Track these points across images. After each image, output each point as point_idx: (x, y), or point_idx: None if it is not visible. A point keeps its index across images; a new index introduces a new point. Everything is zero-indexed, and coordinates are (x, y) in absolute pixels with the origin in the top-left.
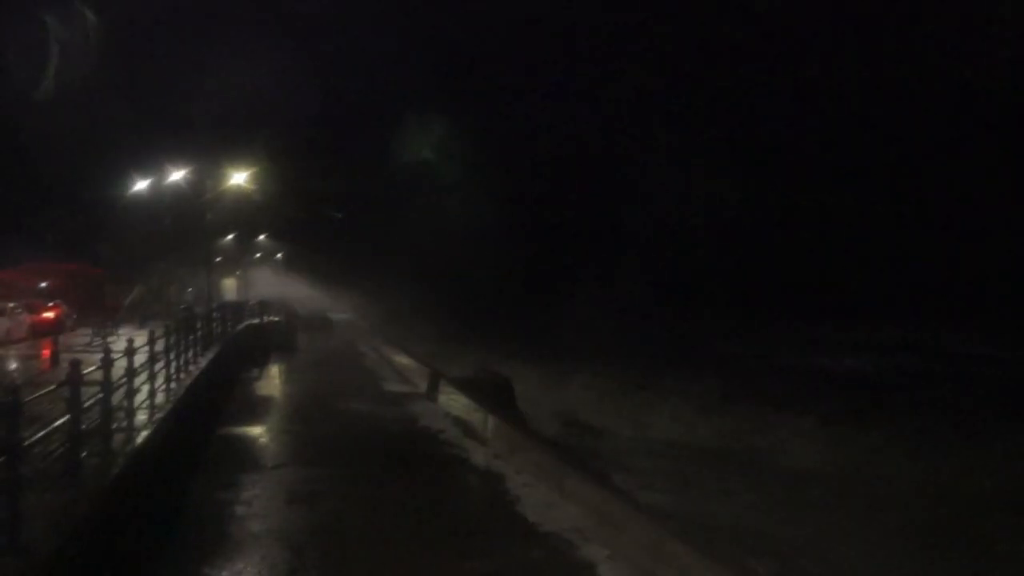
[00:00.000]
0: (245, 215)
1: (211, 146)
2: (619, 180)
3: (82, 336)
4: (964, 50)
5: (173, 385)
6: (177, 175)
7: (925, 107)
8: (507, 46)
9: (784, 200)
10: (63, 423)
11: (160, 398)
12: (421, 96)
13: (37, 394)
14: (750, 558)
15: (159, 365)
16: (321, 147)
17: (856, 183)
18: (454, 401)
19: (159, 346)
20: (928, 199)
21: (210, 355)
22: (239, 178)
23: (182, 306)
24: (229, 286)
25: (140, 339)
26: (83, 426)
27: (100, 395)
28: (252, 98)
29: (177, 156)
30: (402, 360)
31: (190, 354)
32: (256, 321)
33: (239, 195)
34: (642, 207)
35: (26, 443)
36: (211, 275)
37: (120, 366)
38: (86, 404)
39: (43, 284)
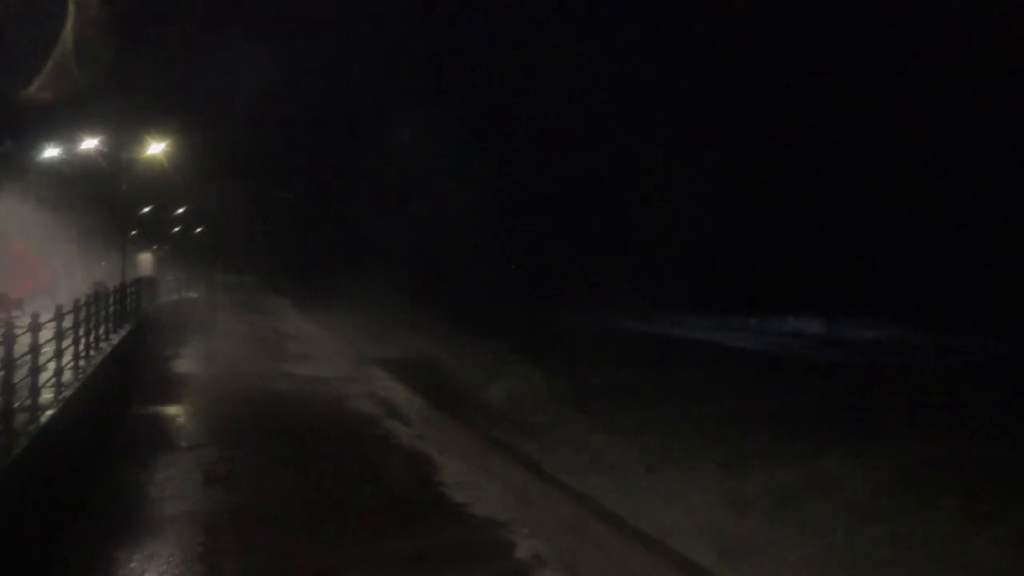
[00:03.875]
0: (168, 188)
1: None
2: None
3: None
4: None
5: (83, 363)
6: (91, 142)
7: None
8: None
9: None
10: None
11: (68, 376)
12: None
13: None
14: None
15: (67, 342)
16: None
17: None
18: (380, 382)
19: (68, 322)
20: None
21: (123, 332)
22: (157, 148)
23: (93, 281)
24: (145, 260)
25: (47, 315)
26: None
27: (0, 372)
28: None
29: (98, 123)
30: (328, 340)
31: (102, 331)
32: (174, 297)
33: (163, 167)
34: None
35: None
36: (126, 249)
37: (24, 342)
38: None
39: None
